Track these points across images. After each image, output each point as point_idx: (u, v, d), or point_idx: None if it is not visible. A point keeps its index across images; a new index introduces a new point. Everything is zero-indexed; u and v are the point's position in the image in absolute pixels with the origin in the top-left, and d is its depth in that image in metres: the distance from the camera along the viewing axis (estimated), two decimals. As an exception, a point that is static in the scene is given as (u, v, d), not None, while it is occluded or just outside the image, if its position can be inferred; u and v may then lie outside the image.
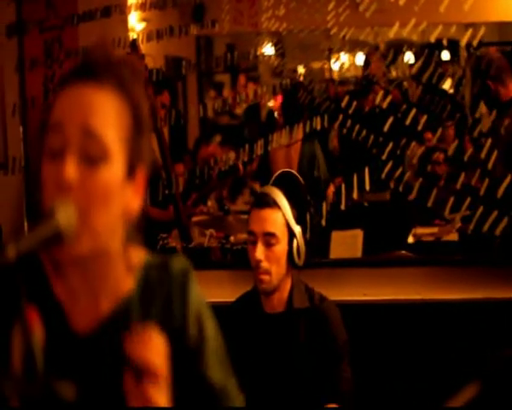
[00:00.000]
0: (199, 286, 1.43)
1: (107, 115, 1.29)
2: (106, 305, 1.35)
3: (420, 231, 4.46)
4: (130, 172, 1.32)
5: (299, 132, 4.58)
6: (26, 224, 4.09)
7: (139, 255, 1.41)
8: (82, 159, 1.26)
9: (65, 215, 1.19)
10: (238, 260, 2.96)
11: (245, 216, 3.06)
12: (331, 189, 4.64)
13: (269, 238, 2.68)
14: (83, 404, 1.26)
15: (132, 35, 4.81)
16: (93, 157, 1.26)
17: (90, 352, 1.33)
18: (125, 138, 1.31)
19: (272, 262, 2.68)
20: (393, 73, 6.30)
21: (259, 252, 2.67)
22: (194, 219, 4.72)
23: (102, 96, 1.29)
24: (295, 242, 2.70)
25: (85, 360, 1.33)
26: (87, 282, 1.34)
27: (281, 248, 2.69)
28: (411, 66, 4.94)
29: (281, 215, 2.69)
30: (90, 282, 1.34)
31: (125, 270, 1.37)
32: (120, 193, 1.30)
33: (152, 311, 1.37)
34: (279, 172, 2.88)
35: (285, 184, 2.77)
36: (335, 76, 6.89)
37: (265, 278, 2.68)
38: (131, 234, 1.37)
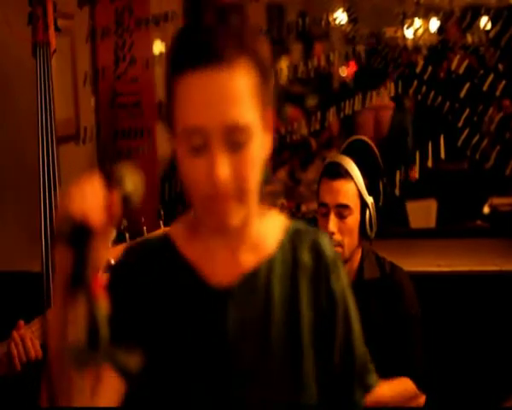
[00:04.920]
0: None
1: (246, 99, 1.25)
2: (247, 260, 1.37)
3: (496, 201, 4.34)
4: (262, 118, 1.30)
5: (377, 98, 4.47)
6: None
7: (281, 217, 1.45)
8: (228, 148, 1.24)
9: (131, 182, 1.18)
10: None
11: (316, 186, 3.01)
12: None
13: (342, 210, 2.62)
14: (221, 354, 1.32)
15: (202, 3, 4.78)
16: (239, 143, 1.25)
17: (229, 304, 1.35)
18: (259, 100, 1.28)
19: (345, 234, 2.63)
20: (469, 39, 6.13)
21: (332, 224, 2.62)
22: (266, 189, 4.69)
23: (237, 80, 1.23)
24: (368, 213, 2.65)
25: (223, 312, 1.34)
26: (226, 240, 1.37)
27: (353, 219, 2.64)
28: (488, 31, 4.78)
29: (353, 186, 2.63)
30: (229, 239, 1.37)
31: (266, 228, 1.40)
32: (260, 146, 1.30)
33: (300, 280, 1.38)
34: (350, 139, 2.81)
35: (357, 151, 2.71)
36: (409, 42, 6.75)
37: (338, 250, 2.63)
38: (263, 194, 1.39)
